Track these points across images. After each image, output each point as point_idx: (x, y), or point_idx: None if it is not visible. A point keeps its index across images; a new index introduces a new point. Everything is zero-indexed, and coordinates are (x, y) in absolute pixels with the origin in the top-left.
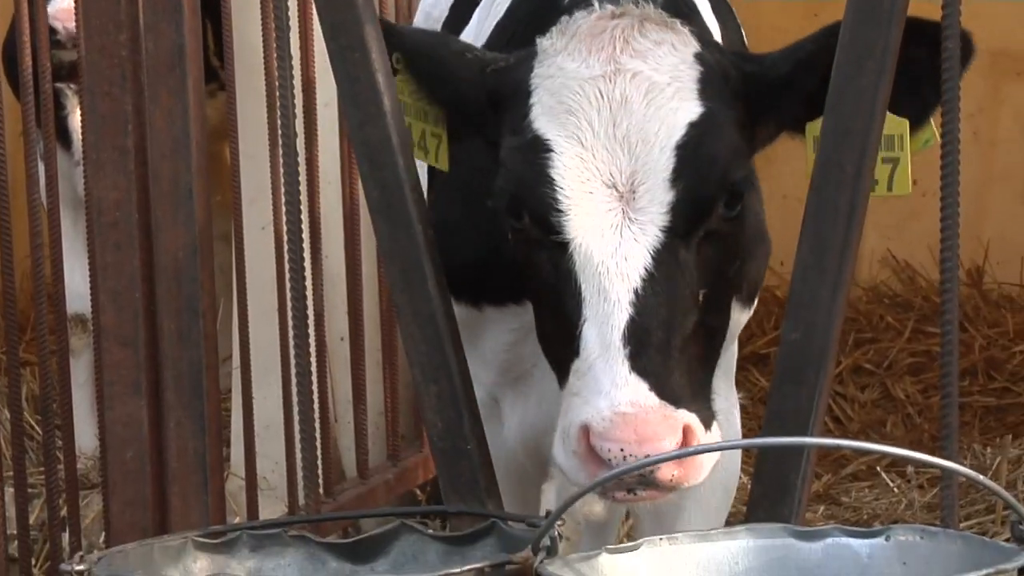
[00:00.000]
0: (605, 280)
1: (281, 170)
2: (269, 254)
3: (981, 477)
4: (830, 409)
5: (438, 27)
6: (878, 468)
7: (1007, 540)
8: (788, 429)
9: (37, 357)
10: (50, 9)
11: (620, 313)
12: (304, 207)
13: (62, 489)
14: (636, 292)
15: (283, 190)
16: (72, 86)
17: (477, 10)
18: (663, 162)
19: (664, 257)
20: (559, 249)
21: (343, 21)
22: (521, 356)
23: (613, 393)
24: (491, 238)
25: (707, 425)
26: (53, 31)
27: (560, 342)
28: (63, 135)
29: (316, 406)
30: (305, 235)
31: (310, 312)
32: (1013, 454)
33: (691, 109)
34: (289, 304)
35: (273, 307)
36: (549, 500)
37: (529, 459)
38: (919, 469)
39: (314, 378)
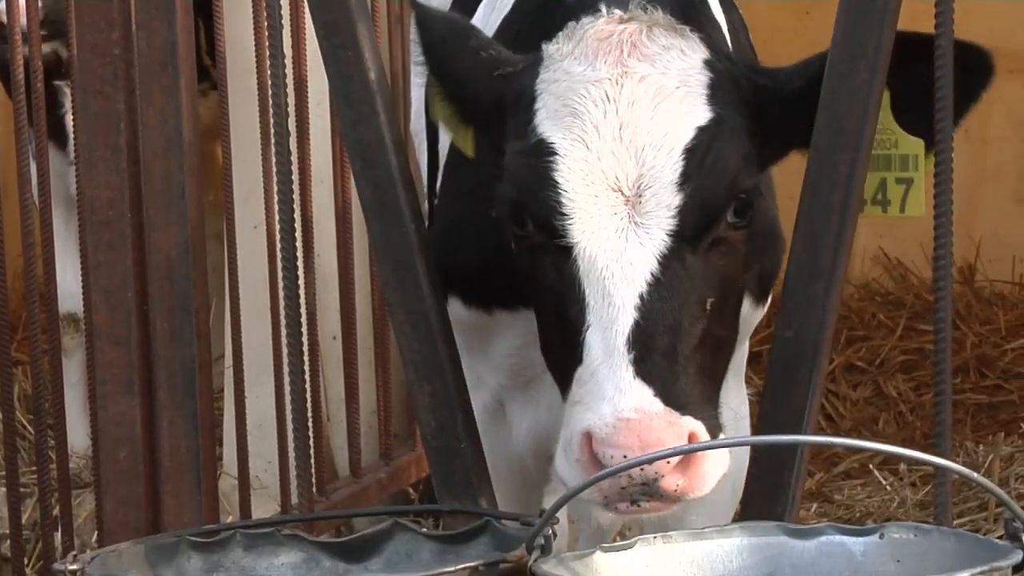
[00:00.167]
0: (609, 284)
1: (273, 169)
2: (261, 253)
3: (975, 475)
4: (822, 407)
5: None
6: (870, 466)
7: (1000, 537)
8: (782, 427)
9: (29, 356)
10: None
11: (624, 318)
12: (296, 206)
13: (54, 488)
14: (641, 296)
15: (275, 189)
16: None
17: (483, 3)
18: (670, 166)
19: (671, 262)
20: (563, 254)
21: (336, 20)
22: (531, 360)
23: (616, 399)
24: (500, 241)
25: (714, 435)
26: None
27: (563, 351)
28: (60, 133)
29: (308, 405)
30: (297, 234)
31: (302, 311)
32: (1005, 451)
33: (700, 113)
34: (282, 303)
35: (265, 306)
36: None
37: (536, 464)
38: (911, 467)
39: (306, 377)
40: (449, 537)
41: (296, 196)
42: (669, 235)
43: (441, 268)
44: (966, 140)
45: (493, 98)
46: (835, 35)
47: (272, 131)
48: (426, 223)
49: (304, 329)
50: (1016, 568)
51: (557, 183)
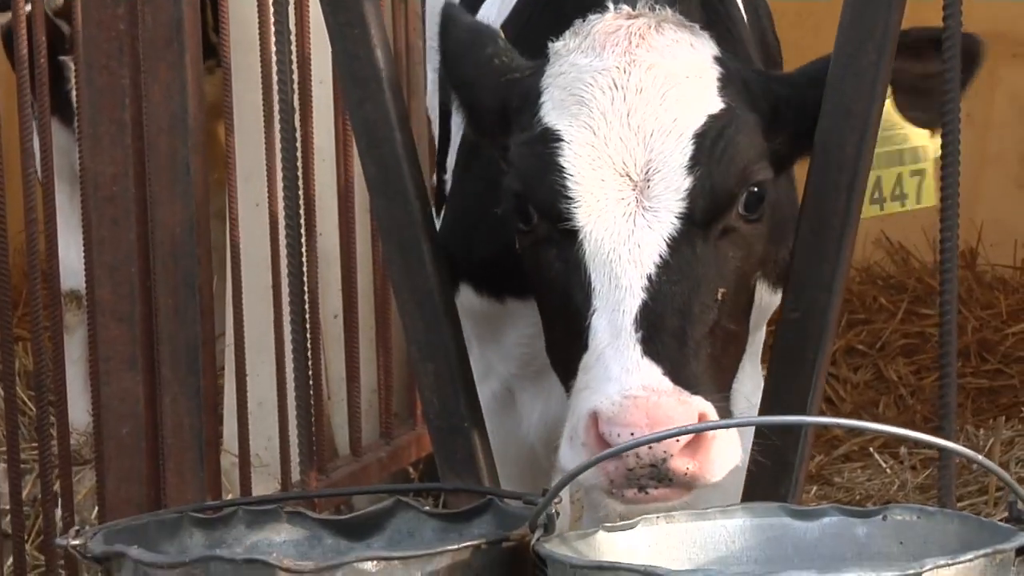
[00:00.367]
0: (617, 267)
1: (276, 147)
2: (263, 231)
3: (980, 457)
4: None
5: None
6: (871, 449)
7: (1004, 520)
8: (787, 408)
9: (30, 333)
10: None
11: (632, 299)
12: (299, 184)
13: (55, 465)
14: (650, 278)
15: (280, 167)
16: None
17: None
18: (680, 150)
19: (680, 246)
20: (568, 240)
21: None
22: (542, 350)
23: (624, 378)
24: (512, 230)
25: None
26: None
27: (567, 341)
28: (66, 109)
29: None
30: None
31: (304, 290)
32: (1006, 435)
33: (711, 102)
34: (284, 282)
35: (266, 285)
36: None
37: (546, 453)
38: (912, 450)
39: (308, 356)
40: (452, 516)
41: (299, 174)
42: (678, 218)
43: (454, 257)
44: (969, 125)
45: (499, 103)
46: (843, 17)
47: (277, 109)
48: (431, 197)
49: (305, 308)
50: (1020, 551)
51: (563, 168)
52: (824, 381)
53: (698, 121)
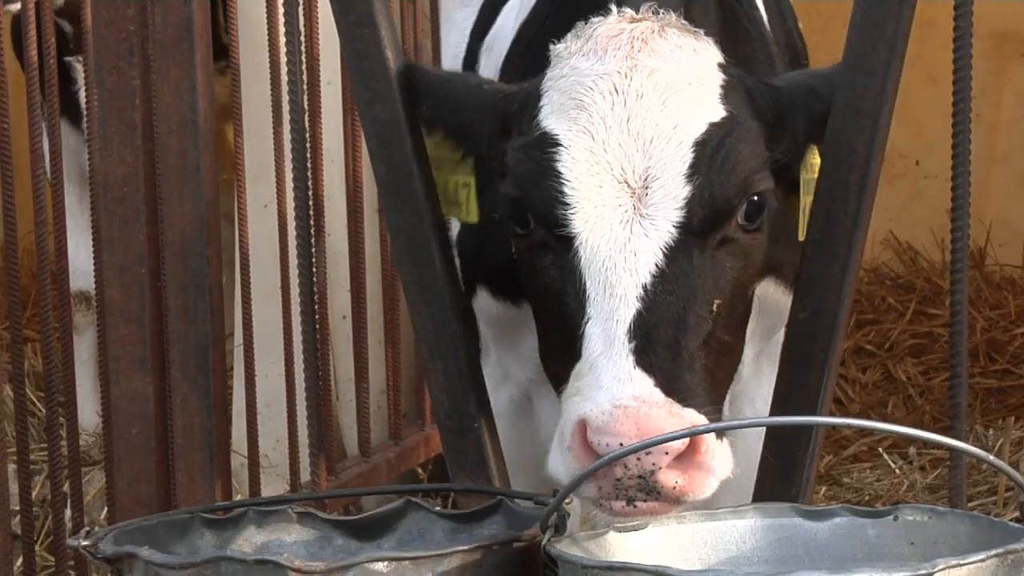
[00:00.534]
0: (612, 275)
1: (285, 148)
2: (272, 232)
3: (991, 457)
4: None
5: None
6: (879, 449)
7: (1014, 520)
8: (797, 408)
9: (40, 334)
10: None
11: (626, 308)
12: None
13: (64, 465)
14: (645, 288)
15: (290, 167)
16: (80, 58)
17: None
18: (679, 157)
19: (677, 255)
20: (564, 247)
21: None
22: None
23: (615, 387)
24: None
25: (719, 434)
26: None
27: (561, 348)
28: (73, 110)
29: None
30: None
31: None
32: (1015, 435)
33: (713, 109)
34: (293, 282)
35: (275, 285)
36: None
37: None
38: (921, 450)
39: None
40: (462, 516)
41: (308, 175)
42: (676, 227)
43: (471, 260)
44: (977, 124)
45: (500, 119)
46: (853, 16)
47: (287, 109)
48: None
49: (315, 309)
50: None
51: (560, 173)
52: (834, 381)
53: (699, 128)
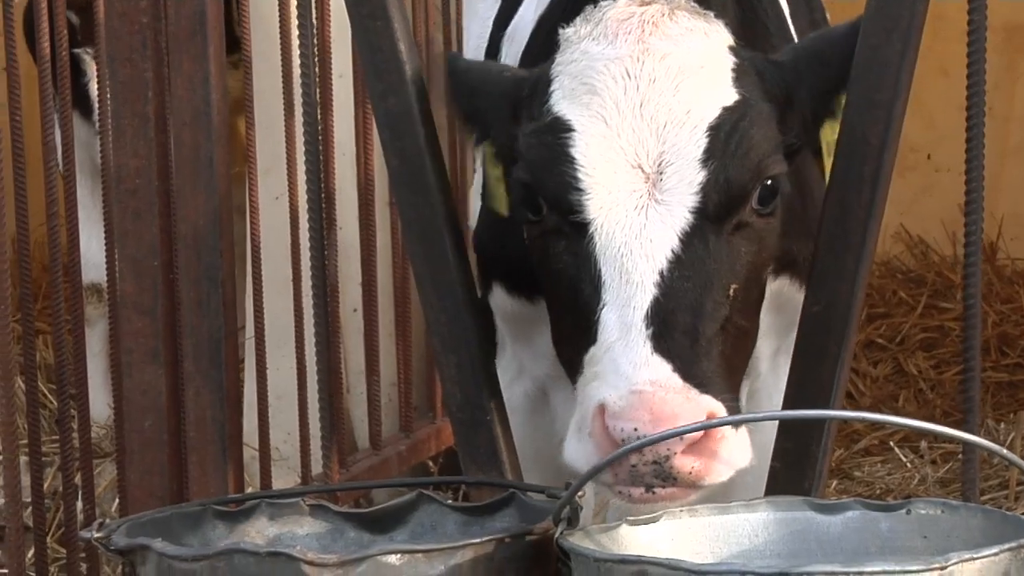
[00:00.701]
0: (628, 261)
1: (297, 140)
2: (283, 225)
3: (1004, 451)
4: None
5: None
6: (891, 443)
7: None
8: (809, 402)
9: (51, 326)
10: None
11: (643, 294)
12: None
13: (76, 458)
14: (661, 274)
15: (303, 159)
16: (89, 50)
17: None
18: (694, 142)
19: (692, 241)
20: (578, 233)
21: None
22: None
23: (632, 373)
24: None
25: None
26: None
27: (575, 336)
28: (83, 102)
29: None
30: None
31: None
32: None
33: (726, 93)
34: (304, 275)
35: (286, 278)
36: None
37: None
38: (932, 444)
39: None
40: (474, 509)
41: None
42: (691, 212)
43: (487, 256)
44: (989, 118)
45: (511, 104)
46: (868, 8)
47: (300, 102)
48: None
49: (327, 302)
50: None
51: (574, 159)
52: (847, 375)
53: (712, 113)
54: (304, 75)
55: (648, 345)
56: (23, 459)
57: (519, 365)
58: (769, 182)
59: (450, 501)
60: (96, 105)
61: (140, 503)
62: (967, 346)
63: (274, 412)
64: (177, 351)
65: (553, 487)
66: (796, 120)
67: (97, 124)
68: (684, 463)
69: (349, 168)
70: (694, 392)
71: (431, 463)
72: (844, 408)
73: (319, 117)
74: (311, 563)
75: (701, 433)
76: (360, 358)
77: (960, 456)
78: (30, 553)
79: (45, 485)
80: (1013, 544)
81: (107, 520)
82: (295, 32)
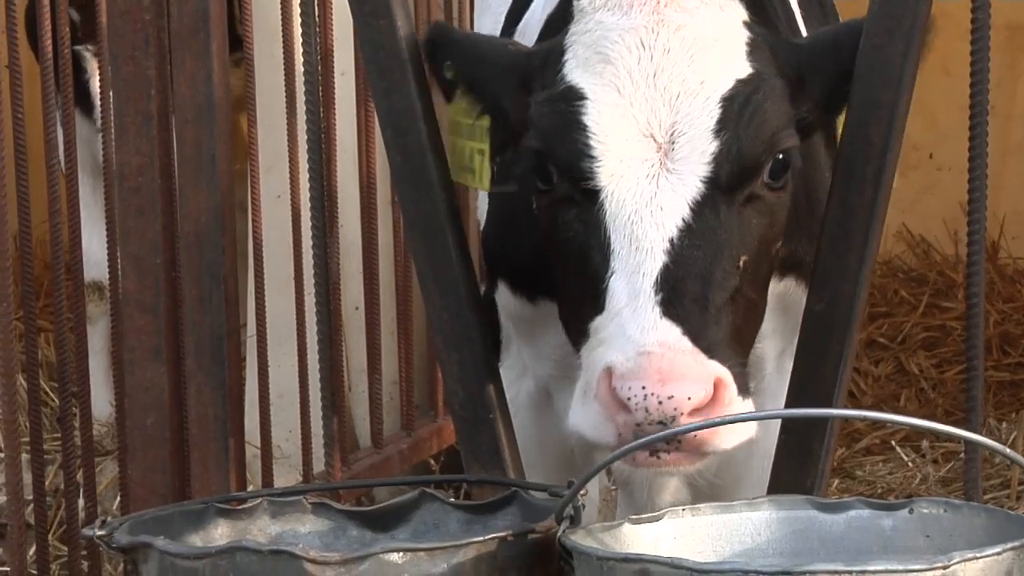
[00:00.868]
0: (638, 228)
1: (299, 138)
2: (285, 223)
3: (1007, 449)
4: None
5: None
6: (892, 442)
7: None
8: (812, 400)
9: (53, 324)
10: None
11: (653, 261)
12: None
13: (78, 455)
14: (671, 241)
15: (306, 157)
16: (90, 47)
17: None
18: (707, 113)
19: (703, 210)
20: (588, 201)
21: None
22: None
23: (639, 336)
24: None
25: (742, 390)
26: None
27: (583, 303)
28: (84, 100)
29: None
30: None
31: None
32: None
33: (740, 66)
34: (306, 273)
35: (288, 276)
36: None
37: (581, 451)
38: (933, 443)
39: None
40: (477, 507)
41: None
42: (703, 182)
43: (493, 254)
44: (991, 116)
45: (522, 75)
46: (871, 7)
47: (303, 100)
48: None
49: (330, 300)
50: None
51: (586, 126)
52: (850, 373)
53: (726, 85)
54: (307, 73)
55: (657, 310)
56: (25, 457)
57: (523, 364)
58: (781, 156)
59: (452, 499)
60: (97, 102)
61: (142, 501)
62: (970, 345)
63: (276, 410)
64: (179, 348)
65: (555, 485)
66: (808, 101)
67: (98, 121)
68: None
69: (351, 166)
70: (702, 356)
71: (433, 461)
72: (846, 407)
73: (321, 115)
74: (313, 561)
75: (709, 396)
76: (362, 356)
77: (961, 455)
78: (31, 551)
79: (47, 483)
80: (1016, 543)
81: (109, 518)
82: (297, 30)
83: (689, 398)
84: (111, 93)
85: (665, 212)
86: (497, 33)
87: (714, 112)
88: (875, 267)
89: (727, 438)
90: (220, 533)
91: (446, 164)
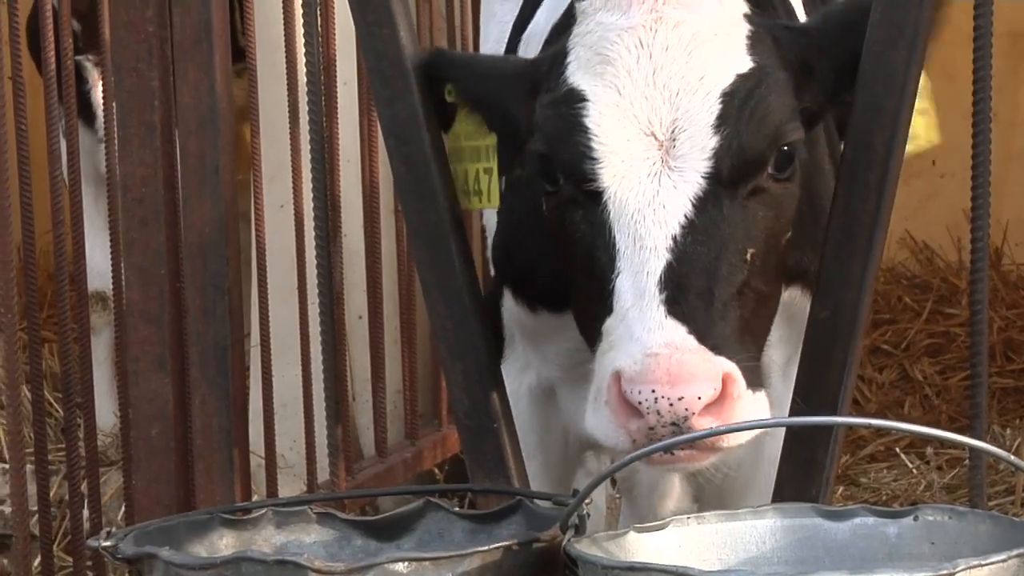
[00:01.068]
0: (641, 228)
1: (302, 148)
2: (288, 233)
3: (1011, 456)
4: None
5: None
6: (897, 449)
7: None
8: (817, 407)
9: (57, 335)
10: None
11: (656, 260)
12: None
13: (82, 466)
14: (674, 239)
15: (309, 167)
16: (91, 58)
17: None
18: (707, 108)
19: (706, 206)
20: (593, 202)
21: None
22: (583, 358)
23: (646, 337)
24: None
25: (752, 384)
26: None
27: (593, 304)
28: (85, 110)
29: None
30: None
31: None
32: None
33: (740, 61)
34: (310, 283)
35: (291, 286)
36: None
37: (580, 447)
38: (938, 450)
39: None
40: (481, 516)
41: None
42: (704, 178)
43: (499, 261)
44: (993, 123)
45: (529, 84)
46: (873, 14)
47: (306, 110)
48: None
49: (333, 309)
50: None
51: (587, 128)
52: (854, 381)
53: (726, 80)
54: (310, 82)
55: (662, 309)
56: (29, 467)
57: (526, 361)
58: (786, 148)
59: (457, 508)
60: (99, 113)
61: (146, 511)
62: (974, 351)
63: (280, 420)
64: (183, 359)
65: (560, 495)
66: (814, 89)
67: (100, 132)
68: (703, 424)
69: (354, 175)
70: (709, 353)
71: (437, 470)
72: (850, 414)
73: (324, 124)
74: (319, 571)
75: (718, 392)
76: (366, 365)
77: (966, 462)
78: (36, 562)
79: (51, 493)
80: (1021, 550)
81: (114, 528)
82: (300, 40)
83: (699, 398)
84: (114, 104)
85: (667, 210)
86: (503, 41)
87: (714, 107)
88: (879, 274)
89: (738, 434)
90: (225, 543)
91: (449, 173)
